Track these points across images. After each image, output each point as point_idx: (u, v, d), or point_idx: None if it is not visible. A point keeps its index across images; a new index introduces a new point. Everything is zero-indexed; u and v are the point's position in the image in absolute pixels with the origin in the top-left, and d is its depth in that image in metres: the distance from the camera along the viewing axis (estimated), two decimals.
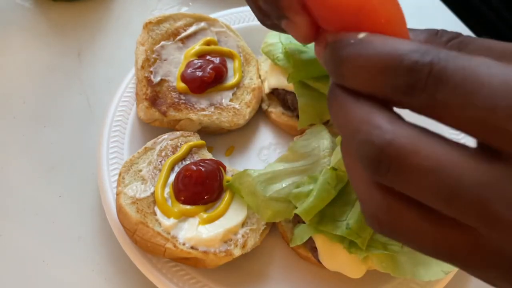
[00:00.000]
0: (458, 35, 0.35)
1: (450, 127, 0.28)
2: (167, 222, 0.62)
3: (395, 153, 0.28)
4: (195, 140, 0.73)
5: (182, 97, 0.75)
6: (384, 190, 0.31)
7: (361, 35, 0.32)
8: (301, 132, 0.72)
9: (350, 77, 0.31)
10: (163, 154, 0.69)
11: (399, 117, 0.30)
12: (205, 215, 0.63)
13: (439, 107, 0.28)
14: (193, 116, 0.74)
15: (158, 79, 0.76)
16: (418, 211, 0.30)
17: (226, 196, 0.66)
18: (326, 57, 0.33)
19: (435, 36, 0.36)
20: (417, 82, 0.28)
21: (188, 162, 0.69)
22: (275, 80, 0.78)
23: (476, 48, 0.34)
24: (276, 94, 0.80)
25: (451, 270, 0.60)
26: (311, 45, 0.71)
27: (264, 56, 0.80)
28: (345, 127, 0.32)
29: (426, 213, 0.30)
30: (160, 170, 0.68)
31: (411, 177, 0.28)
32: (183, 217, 0.63)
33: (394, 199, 0.30)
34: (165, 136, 0.72)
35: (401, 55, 0.28)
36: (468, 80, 0.26)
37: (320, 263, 0.63)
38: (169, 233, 0.61)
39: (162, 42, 0.80)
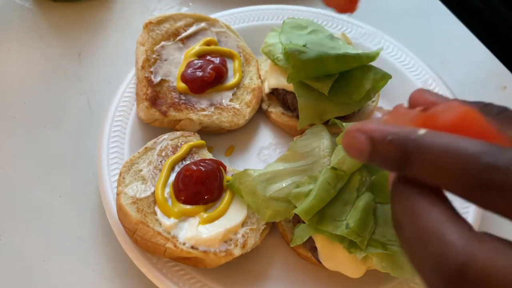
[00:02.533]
0: (504, 109, 0.37)
1: None
2: (167, 222, 0.62)
3: (473, 277, 0.28)
4: (195, 140, 0.73)
5: (182, 97, 0.75)
6: None
7: (421, 131, 0.32)
8: (301, 132, 0.72)
9: (416, 170, 0.32)
10: (163, 154, 0.69)
11: (469, 227, 0.30)
12: (205, 215, 0.63)
13: None
14: (193, 116, 0.74)
15: (158, 79, 0.76)
16: None
17: (226, 196, 0.66)
18: (383, 150, 0.33)
19: (486, 108, 0.37)
20: (492, 184, 0.28)
21: (188, 162, 0.69)
22: (275, 80, 0.78)
23: None
24: (276, 94, 0.80)
25: None
26: (311, 45, 0.72)
27: (264, 56, 0.80)
28: (412, 231, 0.32)
29: None
30: (160, 170, 0.68)
31: None
32: (183, 217, 0.63)
33: None
34: (165, 136, 0.72)
35: (473, 156, 0.29)
36: None
37: (320, 263, 0.63)
38: (169, 233, 0.61)
39: (163, 42, 0.80)
